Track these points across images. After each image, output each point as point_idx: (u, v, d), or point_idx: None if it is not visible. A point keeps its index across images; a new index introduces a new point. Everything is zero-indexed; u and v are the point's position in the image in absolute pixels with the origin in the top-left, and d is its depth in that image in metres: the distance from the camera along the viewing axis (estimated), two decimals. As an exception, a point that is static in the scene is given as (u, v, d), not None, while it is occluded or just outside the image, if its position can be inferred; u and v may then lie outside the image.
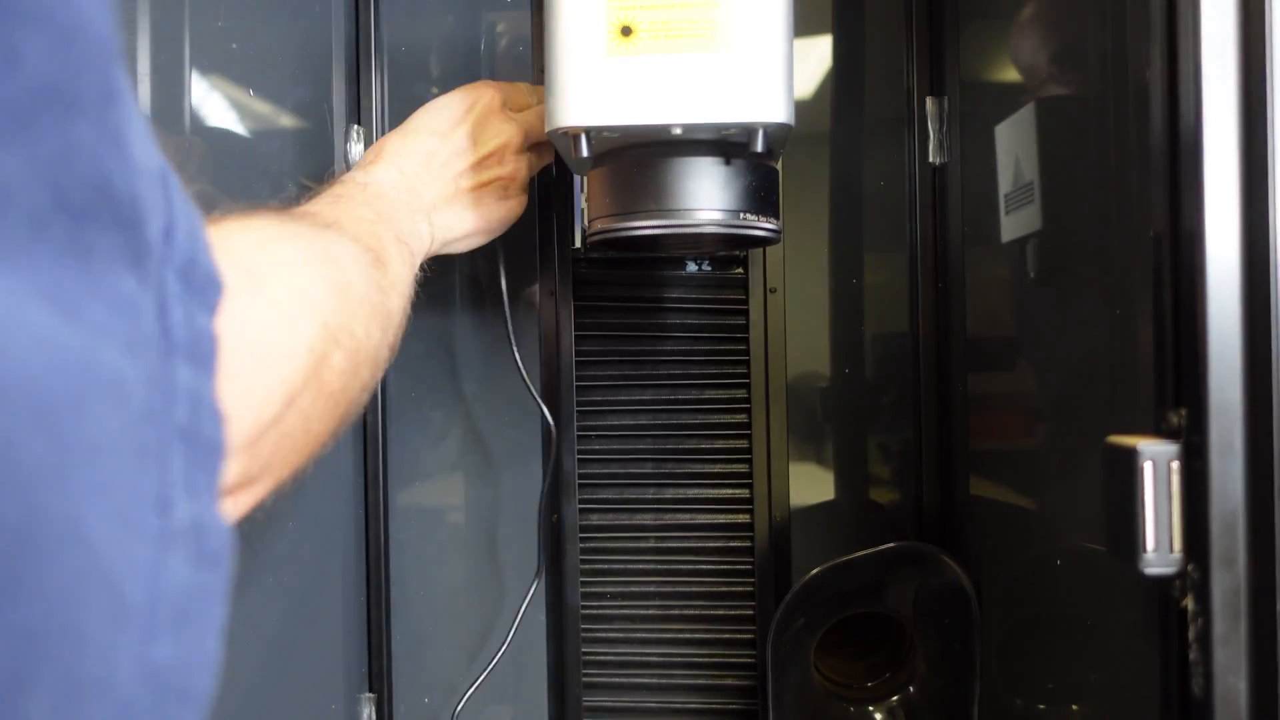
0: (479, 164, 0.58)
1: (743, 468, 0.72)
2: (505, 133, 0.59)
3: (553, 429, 0.70)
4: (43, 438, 0.16)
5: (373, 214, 0.50)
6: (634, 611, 0.73)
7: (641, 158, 0.51)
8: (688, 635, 0.73)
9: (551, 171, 0.71)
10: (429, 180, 0.57)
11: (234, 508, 0.31)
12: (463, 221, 0.58)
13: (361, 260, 0.43)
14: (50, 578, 0.16)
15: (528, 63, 0.74)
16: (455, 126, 0.58)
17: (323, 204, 0.49)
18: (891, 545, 0.68)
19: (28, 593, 0.16)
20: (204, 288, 0.23)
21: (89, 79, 0.18)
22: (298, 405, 0.32)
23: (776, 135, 0.48)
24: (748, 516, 0.72)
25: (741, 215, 0.51)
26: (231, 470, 0.29)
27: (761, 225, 0.52)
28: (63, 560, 0.16)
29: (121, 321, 0.19)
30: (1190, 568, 0.39)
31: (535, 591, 0.71)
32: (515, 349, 0.70)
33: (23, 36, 0.16)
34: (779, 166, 0.55)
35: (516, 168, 0.60)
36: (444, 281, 0.75)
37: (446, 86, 0.76)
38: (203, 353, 0.22)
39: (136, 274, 0.20)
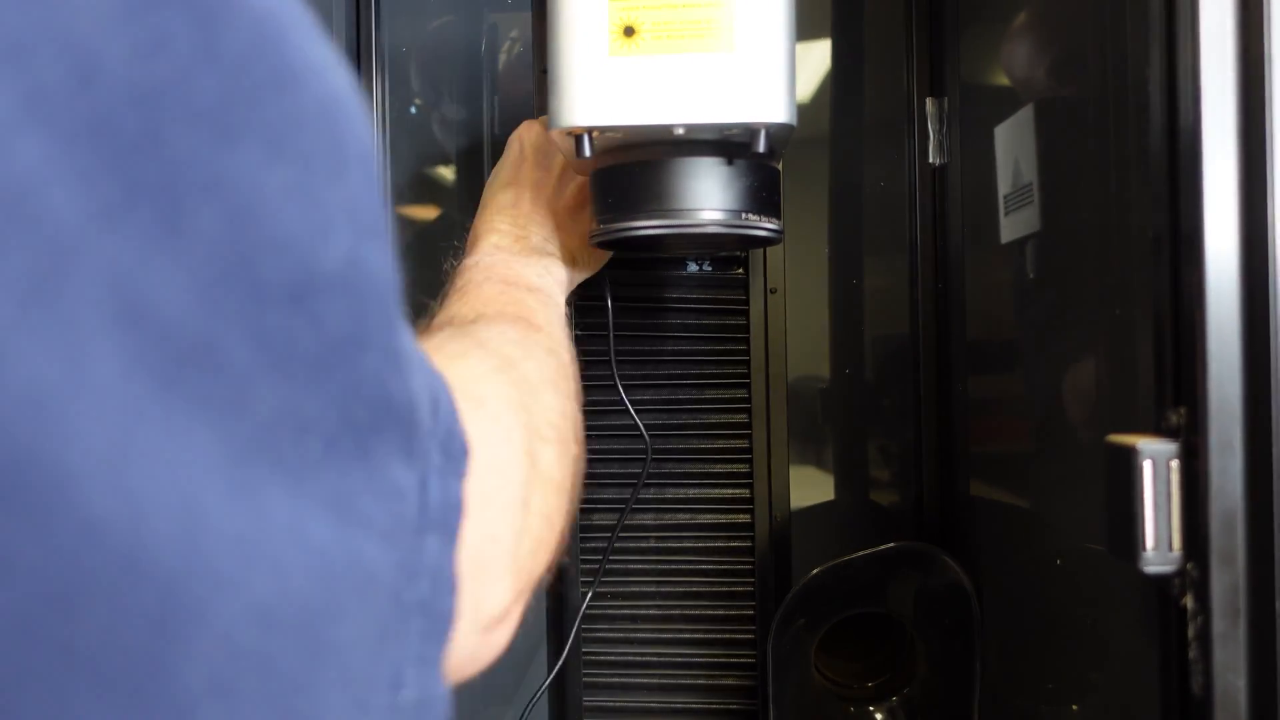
0: (560, 182, 0.59)
1: (743, 468, 0.72)
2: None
3: (648, 442, 0.70)
4: (301, 650, 0.18)
5: (499, 284, 0.51)
6: (634, 611, 0.73)
7: (643, 158, 0.51)
8: (688, 635, 0.73)
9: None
10: (525, 223, 0.57)
11: (508, 628, 0.31)
12: (578, 239, 0.58)
13: (523, 340, 0.43)
14: None
15: (529, 63, 0.74)
16: (518, 169, 0.59)
17: (454, 306, 0.49)
18: (891, 545, 0.68)
19: None
20: (458, 455, 0.24)
21: (375, 319, 0.20)
22: (532, 507, 0.33)
23: (779, 135, 0.49)
24: (748, 516, 0.72)
25: (743, 215, 0.51)
26: (504, 593, 0.30)
27: (763, 225, 0.52)
28: None
29: (386, 511, 0.21)
30: (1189, 566, 0.40)
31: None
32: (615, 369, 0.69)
33: (325, 306, 0.19)
34: (780, 167, 0.56)
35: None
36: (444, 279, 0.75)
37: (447, 87, 0.76)
38: (451, 523, 0.23)
39: (407, 460, 0.22)
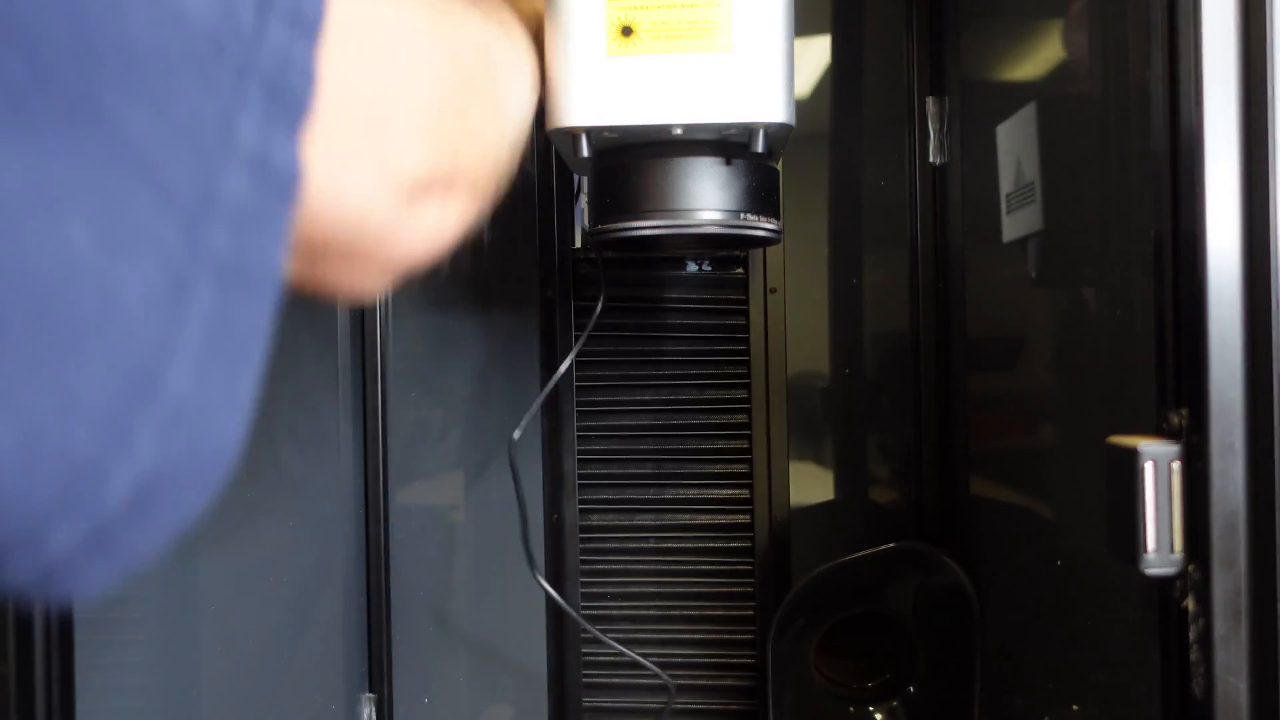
0: None
1: (743, 468, 0.72)
2: None
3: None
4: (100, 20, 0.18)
5: None
6: (634, 612, 0.73)
7: (642, 158, 0.51)
8: (688, 636, 0.73)
9: (551, 172, 0.71)
10: None
11: (438, 212, 0.31)
12: (532, 14, 0.52)
13: None
14: None
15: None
16: None
17: None
18: (891, 545, 0.68)
19: None
20: None
21: None
22: (448, 90, 0.31)
23: (777, 135, 0.48)
24: (748, 517, 0.72)
25: (742, 215, 0.51)
26: (418, 157, 0.29)
27: (762, 225, 0.52)
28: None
29: None
30: (1191, 568, 0.39)
31: (539, 588, 0.71)
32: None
33: None
34: (779, 166, 0.55)
35: None
36: (443, 280, 0.75)
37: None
38: (306, 21, 0.23)
39: None
